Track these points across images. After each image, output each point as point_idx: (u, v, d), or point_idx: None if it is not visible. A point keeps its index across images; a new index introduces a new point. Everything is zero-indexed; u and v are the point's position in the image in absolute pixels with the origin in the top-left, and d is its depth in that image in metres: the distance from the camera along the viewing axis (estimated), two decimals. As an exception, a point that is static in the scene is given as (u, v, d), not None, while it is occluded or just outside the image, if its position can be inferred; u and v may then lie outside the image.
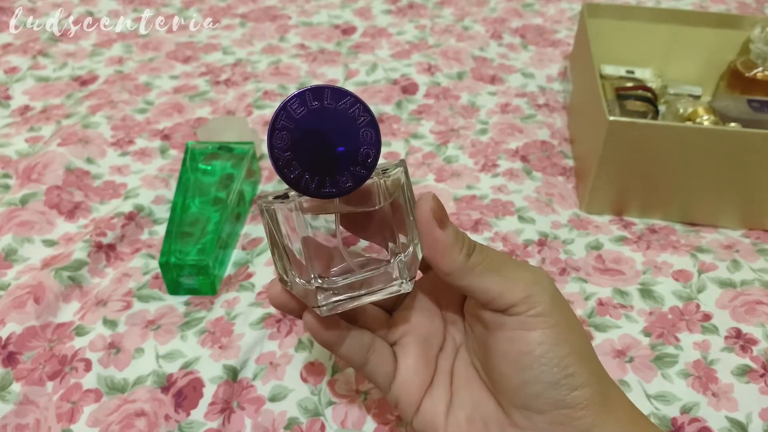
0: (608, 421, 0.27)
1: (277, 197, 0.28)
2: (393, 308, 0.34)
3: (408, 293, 0.32)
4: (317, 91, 0.25)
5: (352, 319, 0.32)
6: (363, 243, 0.31)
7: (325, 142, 0.26)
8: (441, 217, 0.28)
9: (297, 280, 0.28)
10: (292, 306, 0.30)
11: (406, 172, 0.28)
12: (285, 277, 0.29)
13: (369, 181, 0.27)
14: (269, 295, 0.30)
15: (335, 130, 0.26)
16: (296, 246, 0.28)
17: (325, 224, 0.29)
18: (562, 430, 0.27)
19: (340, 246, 0.29)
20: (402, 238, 0.28)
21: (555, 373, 0.27)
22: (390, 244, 0.29)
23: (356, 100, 0.26)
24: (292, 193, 0.27)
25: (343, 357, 0.31)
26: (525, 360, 0.27)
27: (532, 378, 0.27)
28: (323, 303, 0.28)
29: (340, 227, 0.29)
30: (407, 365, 0.31)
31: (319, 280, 0.28)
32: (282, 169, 0.26)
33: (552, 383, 0.27)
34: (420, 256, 0.29)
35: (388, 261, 0.29)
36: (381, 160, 0.27)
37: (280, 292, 0.30)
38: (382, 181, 0.27)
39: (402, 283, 0.28)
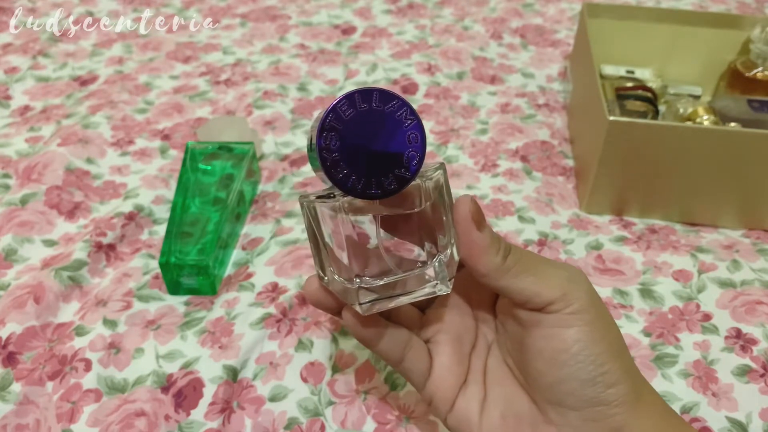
0: (641, 418, 0.28)
1: (320, 197, 0.28)
2: (426, 306, 0.34)
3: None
4: (366, 93, 0.26)
5: (386, 316, 0.32)
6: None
7: (372, 144, 0.26)
8: (479, 219, 0.28)
9: (336, 278, 0.28)
10: (329, 303, 0.30)
11: (445, 175, 0.29)
12: (323, 274, 0.29)
13: (412, 183, 0.27)
14: (306, 292, 0.31)
15: (382, 132, 0.26)
16: (337, 244, 0.28)
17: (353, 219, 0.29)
18: (596, 426, 0.28)
19: (381, 246, 0.29)
20: (440, 240, 0.29)
21: (591, 371, 0.27)
22: (426, 245, 0.29)
23: (404, 103, 0.26)
24: (337, 192, 0.27)
25: (380, 354, 0.31)
26: (561, 357, 0.27)
27: (567, 375, 0.27)
28: (364, 301, 0.28)
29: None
30: (441, 363, 0.32)
31: (358, 279, 0.28)
32: (330, 169, 0.26)
33: (587, 380, 0.27)
34: (457, 258, 0.29)
35: (425, 262, 0.29)
36: None
37: (317, 289, 0.30)
38: (424, 183, 0.28)
39: (437, 284, 0.29)
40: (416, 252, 0.30)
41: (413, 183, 0.27)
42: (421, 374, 0.32)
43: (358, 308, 0.28)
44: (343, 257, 0.28)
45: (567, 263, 0.30)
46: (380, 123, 0.26)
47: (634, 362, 0.29)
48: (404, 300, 0.29)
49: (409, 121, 0.26)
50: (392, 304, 0.28)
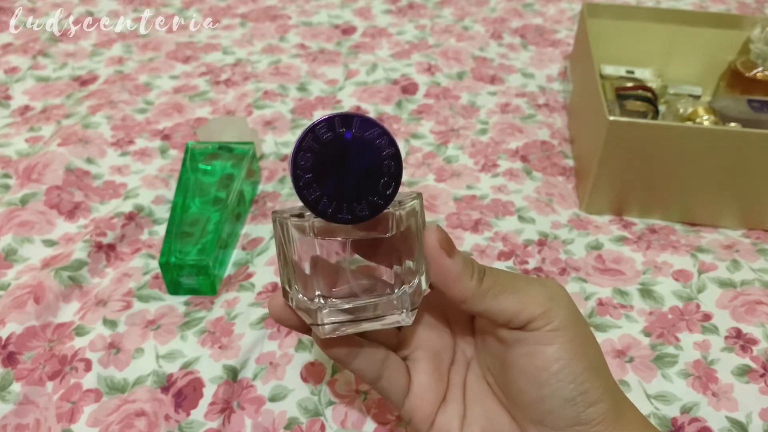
0: None
1: (293, 215, 0.28)
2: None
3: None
4: (346, 119, 0.26)
5: (362, 334, 0.31)
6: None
7: (348, 169, 0.26)
8: (448, 247, 0.28)
9: (300, 296, 0.28)
10: (293, 321, 0.30)
11: (421, 205, 0.29)
12: (288, 290, 0.29)
13: (384, 211, 0.27)
14: (270, 309, 0.30)
15: (359, 158, 0.26)
16: (304, 263, 0.28)
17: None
18: None
19: (348, 270, 0.29)
20: (409, 264, 0.28)
21: (571, 390, 0.27)
22: (396, 271, 0.29)
23: (383, 132, 0.26)
24: (308, 213, 0.27)
25: (355, 372, 0.31)
26: (542, 376, 0.27)
27: (548, 394, 0.27)
28: (324, 322, 0.28)
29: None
30: (420, 380, 0.31)
31: (322, 300, 0.28)
32: (302, 189, 0.26)
33: (568, 399, 0.27)
34: (425, 287, 0.29)
35: (392, 289, 0.29)
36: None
37: (282, 307, 0.30)
38: (398, 211, 0.28)
39: (403, 313, 0.28)
40: (385, 278, 0.30)
41: (386, 210, 0.27)
42: (400, 392, 0.31)
43: (318, 330, 0.28)
44: (309, 277, 0.28)
45: (546, 279, 0.30)
46: (358, 149, 0.26)
47: (613, 379, 0.29)
48: (366, 327, 0.28)
49: (387, 150, 0.26)
50: (353, 329, 0.28)
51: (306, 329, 0.30)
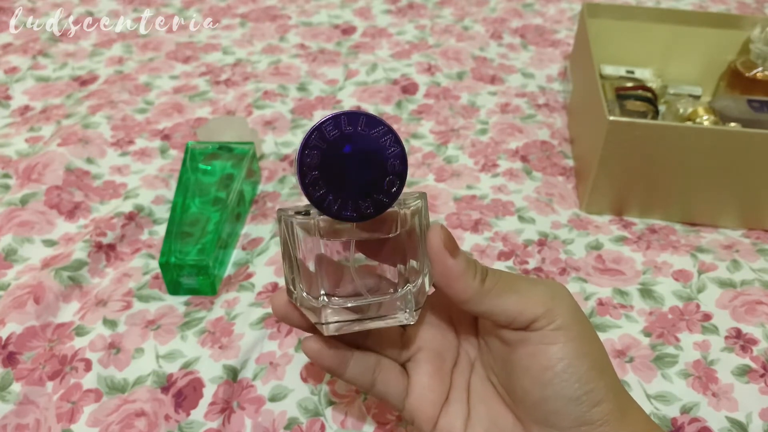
0: None
1: (297, 212, 0.28)
2: (406, 325, 0.34)
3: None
4: (353, 117, 0.26)
5: (365, 336, 0.32)
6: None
7: (353, 167, 0.26)
8: (451, 246, 0.28)
9: (304, 294, 0.28)
10: (295, 318, 0.30)
11: (425, 205, 0.29)
12: (293, 289, 0.29)
13: (389, 210, 0.27)
14: (273, 306, 0.30)
15: (364, 156, 0.26)
16: (309, 261, 0.28)
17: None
18: None
19: (353, 271, 0.29)
20: (413, 263, 0.29)
21: (576, 389, 0.27)
22: (399, 271, 0.29)
23: (389, 130, 0.26)
24: (313, 211, 0.28)
25: (349, 381, 0.31)
26: (546, 375, 0.27)
27: (552, 394, 0.27)
28: (328, 321, 0.28)
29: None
30: (421, 382, 0.31)
31: (326, 299, 0.28)
32: (308, 187, 0.26)
33: (573, 399, 0.27)
34: (428, 288, 0.29)
35: (396, 289, 0.29)
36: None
37: (285, 304, 0.30)
38: (402, 211, 0.28)
39: (406, 312, 0.29)
40: (389, 277, 0.30)
41: (391, 209, 0.27)
42: (397, 395, 0.31)
43: (323, 329, 0.28)
44: (314, 276, 0.28)
45: (548, 279, 0.30)
46: (363, 147, 0.26)
47: (617, 378, 0.29)
48: (370, 325, 0.29)
49: (392, 149, 0.26)
50: (357, 327, 0.28)
51: (308, 327, 0.30)
